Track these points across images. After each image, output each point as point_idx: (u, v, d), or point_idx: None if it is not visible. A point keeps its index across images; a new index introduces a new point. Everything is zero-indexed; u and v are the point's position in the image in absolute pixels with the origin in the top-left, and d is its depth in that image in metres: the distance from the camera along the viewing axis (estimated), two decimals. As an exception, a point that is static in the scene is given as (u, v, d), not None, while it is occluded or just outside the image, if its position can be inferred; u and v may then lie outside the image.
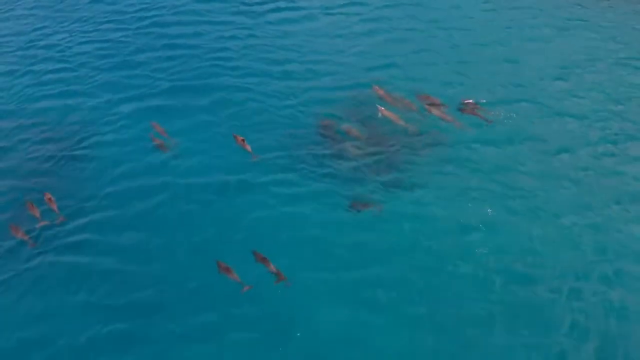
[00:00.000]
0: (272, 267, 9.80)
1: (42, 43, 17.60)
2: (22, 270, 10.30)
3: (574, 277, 10.07)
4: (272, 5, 19.01)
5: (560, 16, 18.29)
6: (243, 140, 12.26)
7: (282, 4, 19.07)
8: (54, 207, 11.26)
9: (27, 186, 12.18)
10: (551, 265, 10.26)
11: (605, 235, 10.84)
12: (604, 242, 10.73)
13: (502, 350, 9.01)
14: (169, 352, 9.04)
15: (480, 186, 11.84)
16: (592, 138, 13.24)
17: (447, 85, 14.86)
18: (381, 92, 14.26)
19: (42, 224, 11.03)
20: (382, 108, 13.55)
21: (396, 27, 17.99)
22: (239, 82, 15.27)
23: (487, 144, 12.94)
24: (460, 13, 18.55)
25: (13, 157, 13.08)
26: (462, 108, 13.65)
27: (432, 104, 13.69)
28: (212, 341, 9.14)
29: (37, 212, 11.15)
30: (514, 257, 10.41)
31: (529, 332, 9.23)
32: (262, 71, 15.79)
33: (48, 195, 11.49)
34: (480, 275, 10.06)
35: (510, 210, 11.30)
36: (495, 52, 16.58)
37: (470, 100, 13.84)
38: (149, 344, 9.14)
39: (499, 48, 16.76)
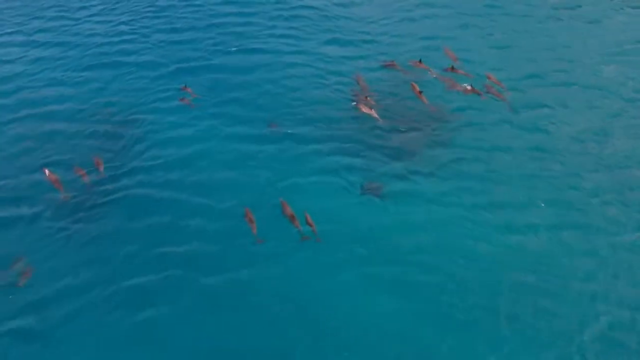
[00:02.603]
0: (298, 225, 10.12)
1: (97, 18, 18.51)
2: (72, 223, 10.90)
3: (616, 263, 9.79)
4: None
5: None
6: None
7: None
8: (101, 169, 11.88)
9: (77, 146, 12.89)
10: (586, 253, 9.95)
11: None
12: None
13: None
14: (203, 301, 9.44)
15: (505, 169, 11.75)
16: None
17: (489, 65, 14.76)
18: (389, 63, 14.87)
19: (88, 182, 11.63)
20: (415, 84, 13.62)
21: (448, 6, 18.17)
22: (286, 56, 15.83)
23: (518, 126, 12.82)
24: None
25: (71, 119, 13.77)
26: (486, 85, 13.67)
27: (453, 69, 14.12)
28: (239, 296, 9.47)
29: (85, 176, 11.73)
30: (549, 243, 10.12)
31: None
32: (310, 46, 16.28)
33: (97, 159, 12.10)
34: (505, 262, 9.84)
35: (538, 193, 11.05)
36: (550, 34, 16.45)
37: (494, 77, 13.83)
38: (185, 291, 9.58)
39: (555, 30, 16.64)
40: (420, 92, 13.36)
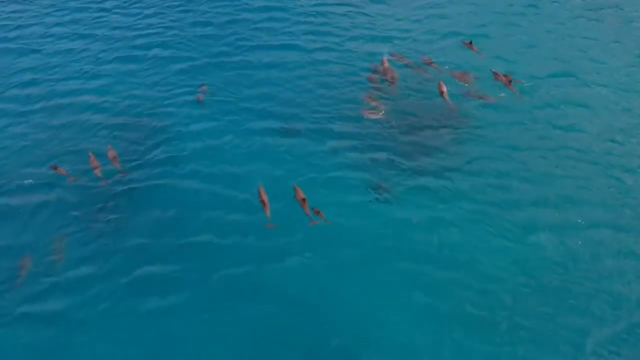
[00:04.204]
0: (308, 211, 10.06)
1: (120, 11, 18.55)
2: (89, 213, 11.00)
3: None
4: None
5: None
6: None
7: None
8: (116, 161, 11.89)
9: (95, 137, 12.95)
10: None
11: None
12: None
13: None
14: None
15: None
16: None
17: (512, 63, 14.56)
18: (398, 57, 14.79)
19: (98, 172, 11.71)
20: (442, 83, 13.29)
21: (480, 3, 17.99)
22: (310, 52, 15.68)
23: (541, 125, 12.55)
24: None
25: (89, 111, 13.74)
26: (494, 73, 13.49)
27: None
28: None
29: (98, 169, 11.77)
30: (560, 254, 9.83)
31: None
32: (335, 42, 16.10)
33: (111, 151, 12.07)
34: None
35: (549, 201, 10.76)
36: (579, 34, 16.08)
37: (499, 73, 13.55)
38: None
39: (585, 30, 16.28)
40: (443, 92, 13.05)
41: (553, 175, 11.31)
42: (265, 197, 10.30)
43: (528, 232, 10.12)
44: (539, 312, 8.89)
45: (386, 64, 14.30)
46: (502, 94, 13.22)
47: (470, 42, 14.60)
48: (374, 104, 13.25)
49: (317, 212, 10.04)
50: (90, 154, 11.97)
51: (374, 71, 14.41)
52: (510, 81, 13.23)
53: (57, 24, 17.66)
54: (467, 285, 9.28)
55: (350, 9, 17.92)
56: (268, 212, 10.11)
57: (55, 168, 11.81)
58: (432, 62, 14.47)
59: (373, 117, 12.83)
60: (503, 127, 12.56)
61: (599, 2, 17.75)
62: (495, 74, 13.49)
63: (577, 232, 10.12)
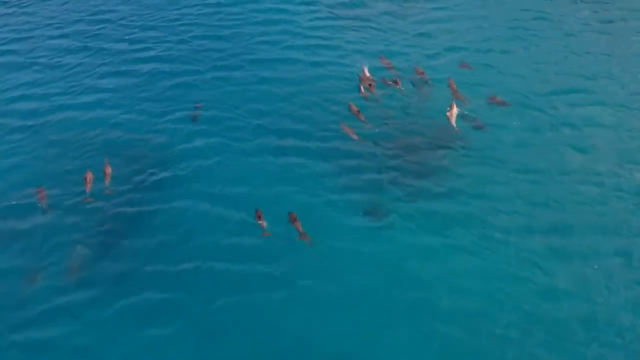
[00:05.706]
0: (300, 227, 10.24)
1: (114, 24, 18.38)
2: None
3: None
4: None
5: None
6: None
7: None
8: (107, 179, 11.76)
9: (87, 155, 12.75)
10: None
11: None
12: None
13: None
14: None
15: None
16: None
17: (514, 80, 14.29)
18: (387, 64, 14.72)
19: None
20: (454, 104, 12.84)
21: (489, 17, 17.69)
22: (308, 68, 15.43)
23: (544, 146, 12.24)
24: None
25: (80, 130, 13.52)
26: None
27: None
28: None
29: (88, 184, 11.61)
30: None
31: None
32: (334, 58, 15.86)
33: (108, 168, 11.90)
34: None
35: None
36: (593, 51, 15.67)
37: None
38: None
39: (599, 47, 15.88)
40: (451, 114, 12.61)
41: (562, 200, 10.94)
42: (259, 214, 10.58)
43: (535, 259, 9.77)
44: (547, 344, 8.56)
45: (366, 74, 14.20)
46: (515, 123, 12.86)
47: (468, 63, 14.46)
48: (362, 118, 12.97)
49: (303, 234, 10.15)
50: (88, 173, 11.76)
51: (371, 85, 14.06)
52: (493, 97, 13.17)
53: (53, 38, 17.46)
54: (468, 314, 8.99)
55: (351, 23, 17.63)
56: (264, 223, 10.42)
57: (39, 192, 11.57)
58: (424, 73, 14.23)
59: (358, 139, 12.50)
60: (508, 147, 12.22)
61: (607, 15, 17.43)
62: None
63: (587, 260, 9.76)
